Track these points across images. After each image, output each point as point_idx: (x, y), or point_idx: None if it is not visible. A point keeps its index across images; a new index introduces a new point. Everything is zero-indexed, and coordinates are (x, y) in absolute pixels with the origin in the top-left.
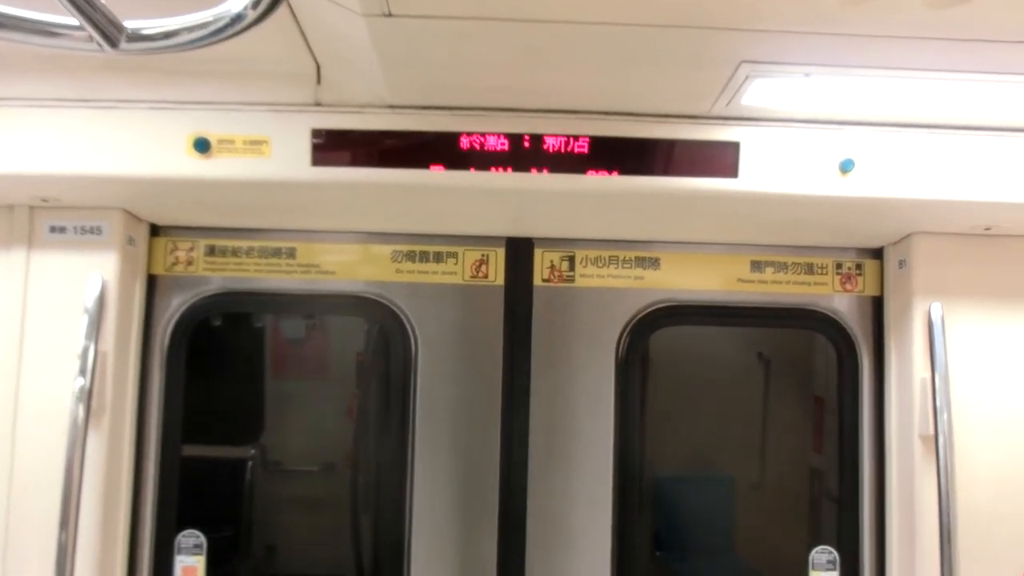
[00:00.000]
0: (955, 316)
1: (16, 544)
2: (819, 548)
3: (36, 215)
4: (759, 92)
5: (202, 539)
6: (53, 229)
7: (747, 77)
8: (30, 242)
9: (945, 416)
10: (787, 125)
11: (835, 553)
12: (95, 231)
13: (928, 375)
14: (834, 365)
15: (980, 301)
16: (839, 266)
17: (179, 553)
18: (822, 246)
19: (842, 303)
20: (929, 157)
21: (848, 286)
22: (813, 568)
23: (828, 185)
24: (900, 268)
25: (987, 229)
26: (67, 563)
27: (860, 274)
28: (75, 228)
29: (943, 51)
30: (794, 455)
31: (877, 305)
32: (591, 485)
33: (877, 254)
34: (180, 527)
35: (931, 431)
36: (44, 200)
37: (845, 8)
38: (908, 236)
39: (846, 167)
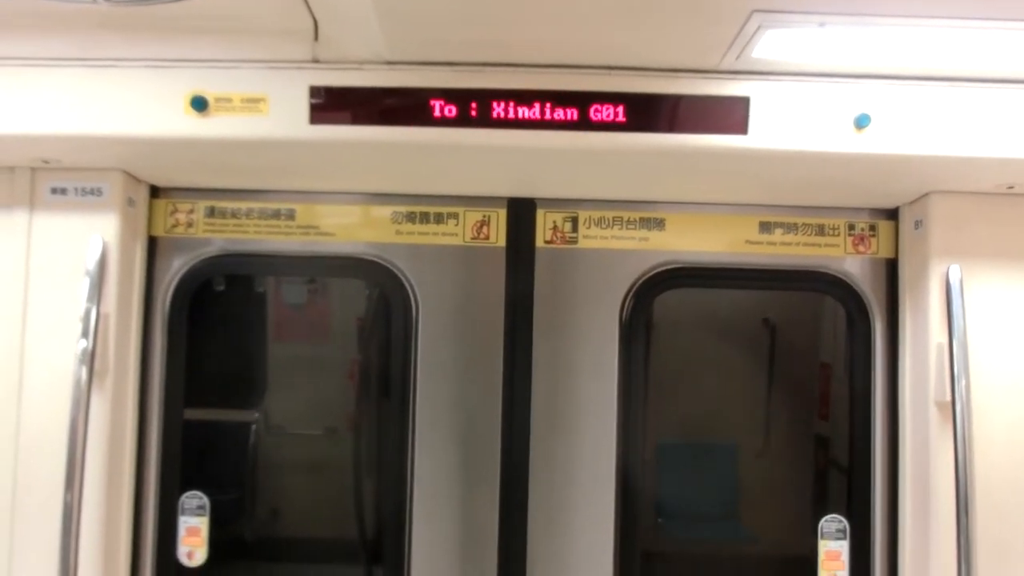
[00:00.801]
0: (973, 279)
1: (23, 504)
2: (828, 517)
3: (37, 176)
4: (771, 44)
5: (205, 500)
6: (54, 191)
7: (758, 28)
8: (32, 204)
9: (963, 382)
10: (800, 79)
11: (845, 522)
12: (95, 192)
13: (945, 340)
14: (841, 331)
15: (1000, 263)
16: (851, 227)
17: (183, 514)
18: (834, 206)
19: (854, 265)
20: (949, 112)
21: (861, 248)
22: (823, 537)
23: (842, 142)
24: (916, 229)
25: (1010, 188)
26: (73, 522)
27: (873, 235)
28: (76, 189)
29: None
30: (800, 422)
31: (891, 267)
32: (594, 450)
33: (891, 215)
34: (184, 488)
35: (947, 397)
36: (45, 161)
37: None
38: (925, 195)
39: (861, 123)
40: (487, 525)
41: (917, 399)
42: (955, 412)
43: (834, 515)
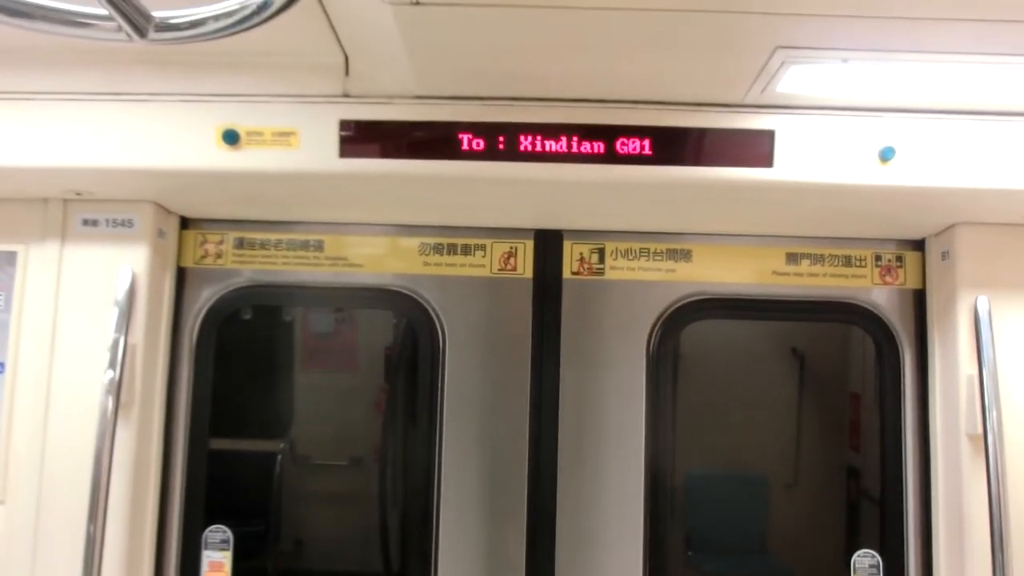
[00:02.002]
0: (1002, 310)
1: (46, 535)
2: (861, 552)
3: (69, 208)
4: (795, 79)
5: (229, 535)
6: (86, 222)
7: (783, 63)
8: (63, 235)
9: (994, 414)
10: (824, 113)
11: (878, 557)
12: (126, 224)
13: (975, 372)
14: (870, 361)
15: None
16: (878, 258)
17: (206, 548)
18: (861, 237)
19: (881, 296)
20: (974, 144)
21: (888, 279)
22: (855, 572)
23: (868, 174)
24: (943, 260)
25: None
26: (95, 555)
27: (900, 266)
28: (107, 221)
29: (986, 33)
30: (830, 453)
31: (919, 298)
32: (622, 483)
33: (918, 245)
34: (208, 522)
35: (979, 430)
36: (77, 193)
37: None
38: (951, 227)
39: (886, 155)
40: (514, 557)
41: (948, 431)
42: (987, 444)
43: (867, 550)
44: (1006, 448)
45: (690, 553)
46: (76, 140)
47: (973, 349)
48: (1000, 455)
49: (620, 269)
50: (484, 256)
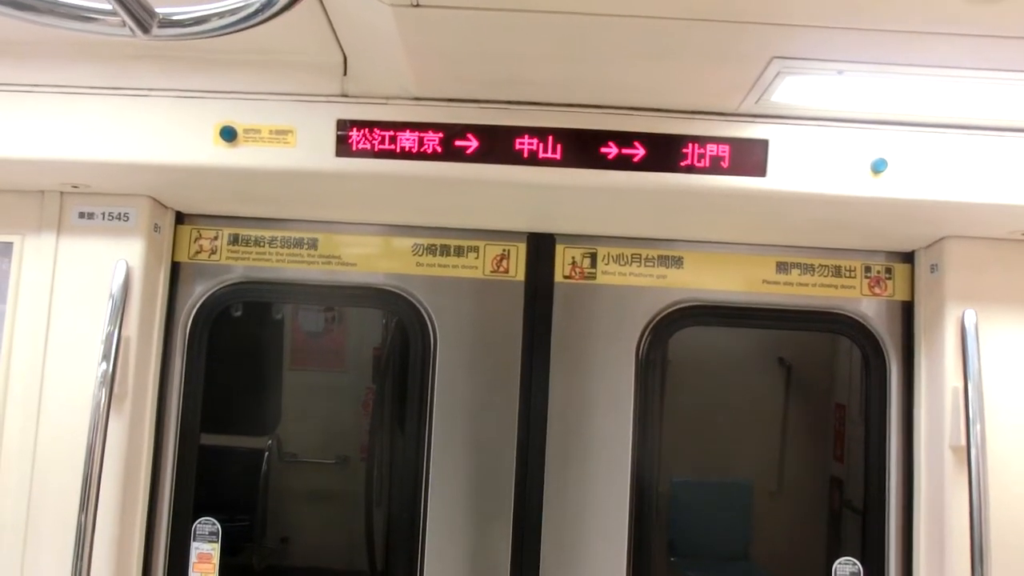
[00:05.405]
0: (989, 323)
1: (37, 524)
2: (842, 559)
3: (66, 201)
4: (790, 89)
5: (218, 527)
6: (82, 215)
7: (778, 73)
8: (59, 227)
9: (978, 427)
10: (818, 124)
11: (859, 565)
12: (122, 217)
13: (960, 384)
14: (856, 372)
15: (1015, 308)
16: (868, 269)
17: (195, 540)
18: (851, 248)
19: (870, 307)
20: (964, 159)
21: (877, 290)
22: None
23: (859, 186)
24: (932, 273)
25: None
26: (86, 545)
27: (890, 278)
28: (103, 214)
29: (981, 48)
30: (814, 462)
31: (907, 310)
32: (608, 486)
33: (908, 258)
34: (197, 514)
35: (963, 442)
36: (74, 186)
37: (880, 3)
38: (941, 240)
39: (878, 167)
40: (500, 559)
41: (932, 443)
42: (970, 457)
43: (848, 557)
44: (989, 460)
45: (674, 558)
46: (74, 133)
47: (959, 361)
48: (983, 467)
49: (612, 274)
50: (477, 258)
